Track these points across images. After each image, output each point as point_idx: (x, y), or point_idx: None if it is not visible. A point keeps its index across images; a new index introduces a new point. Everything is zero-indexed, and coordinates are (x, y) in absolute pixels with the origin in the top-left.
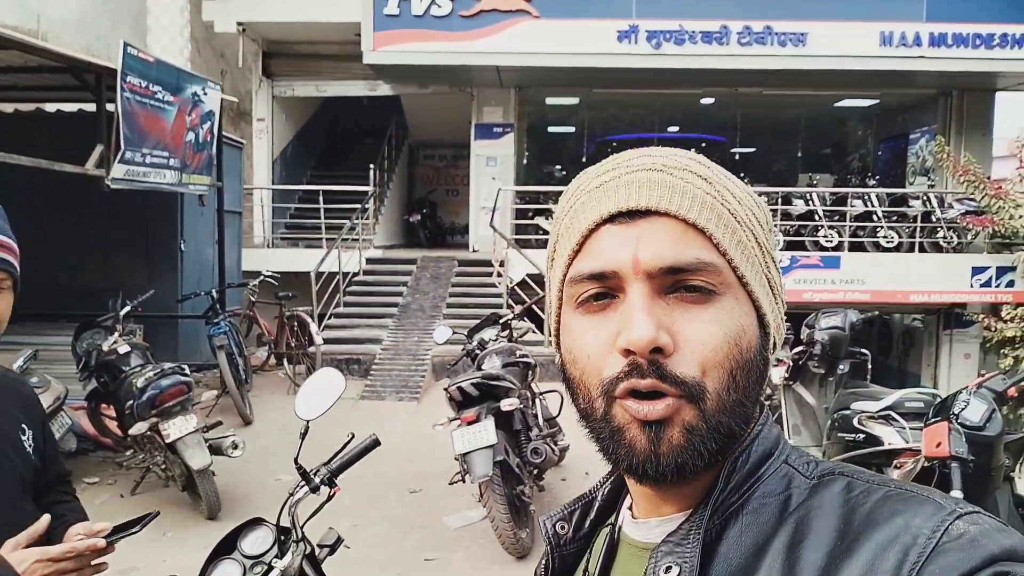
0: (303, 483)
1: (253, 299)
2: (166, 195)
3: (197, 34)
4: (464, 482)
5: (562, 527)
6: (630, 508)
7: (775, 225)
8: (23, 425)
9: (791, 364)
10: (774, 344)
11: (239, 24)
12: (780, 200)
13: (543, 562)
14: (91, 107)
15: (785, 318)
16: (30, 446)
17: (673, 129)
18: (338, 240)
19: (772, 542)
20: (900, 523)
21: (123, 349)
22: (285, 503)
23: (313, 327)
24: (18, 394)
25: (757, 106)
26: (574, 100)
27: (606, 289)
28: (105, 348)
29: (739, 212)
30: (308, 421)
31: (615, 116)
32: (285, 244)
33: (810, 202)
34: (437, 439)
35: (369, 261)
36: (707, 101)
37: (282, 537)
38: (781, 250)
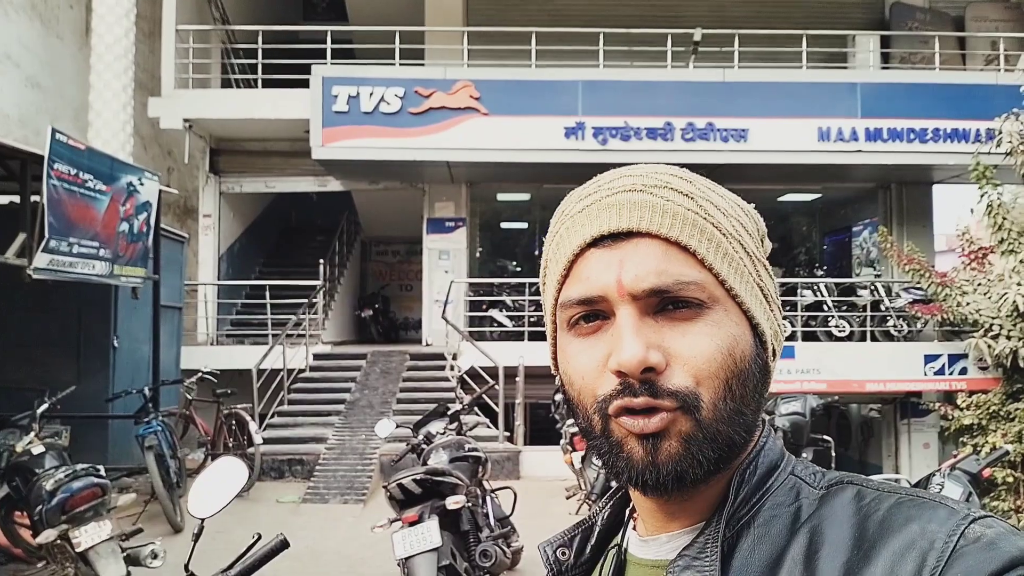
0: None
1: (190, 397)
2: (99, 289)
3: (144, 131)
4: None
5: (563, 553)
6: (635, 528)
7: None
8: None
9: None
10: (773, 352)
11: (185, 121)
12: None
13: None
14: (10, 197)
15: (783, 323)
16: None
17: None
18: (282, 335)
19: (787, 553)
20: (916, 529)
21: (37, 450)
22: None
23: (252, 426)
24: None
25: None
26: (525, 196)
27: (595, 311)
28: (18, 449)
29: (724, 224)
30: (203, 519)
31: None
32: (230, 341)
33: None
34: (383, 544)
35: (316, 357)
36: None
37: None
38: None
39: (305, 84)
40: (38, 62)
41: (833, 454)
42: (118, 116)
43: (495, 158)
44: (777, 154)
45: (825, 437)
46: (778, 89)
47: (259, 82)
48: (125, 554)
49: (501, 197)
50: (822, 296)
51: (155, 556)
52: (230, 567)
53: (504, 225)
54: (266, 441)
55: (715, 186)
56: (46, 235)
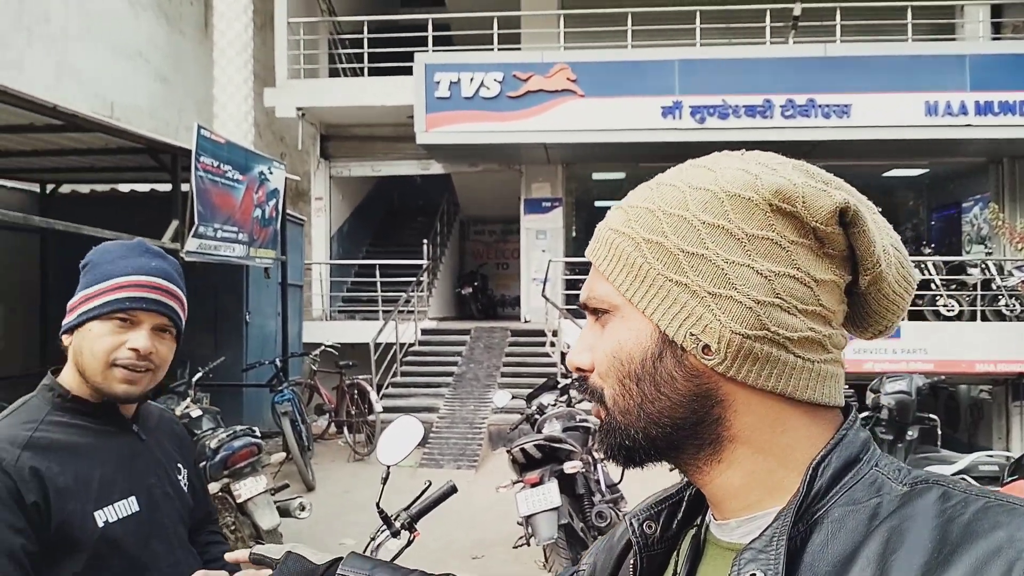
0: (384, 527)
1: (315, 368)
2: (233, 268)
3: (259, 119)
4: (528, 545)
5: (649, 526)
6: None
7: None
8: (179, 464)
9: None
10: (707, 348)
11: (298, 109)
12: None
13: (631, 562)
14: (163, 187)
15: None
16: (186, 485)
17: None
18: (395, 312)
19: (861, 551)
20: (1003, 536)
21: (196, 413)
22: (367, 547)
23: (373, 395)
24: (172, 432)
25: None
26: (620, 175)
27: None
28: (178, 413)
29: (642, 231)
30: (389, 466)
31: None
32: (342, 317)
33: None
34: (497, 507)
35: (424, 332)
36: None
37: None
38: None
39: (408, 71)
40: (164, 57)
41: (939, 432)
42: (240, 107)
43: (591, 139)
44: (882, 130)
45: (931, 416)
46: (882, 63)
47: (365, 70)
48: (276, 506)
49: (596, 176)
50: (930, 275)
51: (302, 508)
52: (409, 506)
53: (598, 204)
54: (384, 410)
55: (686, 182)
56: (195, 221)
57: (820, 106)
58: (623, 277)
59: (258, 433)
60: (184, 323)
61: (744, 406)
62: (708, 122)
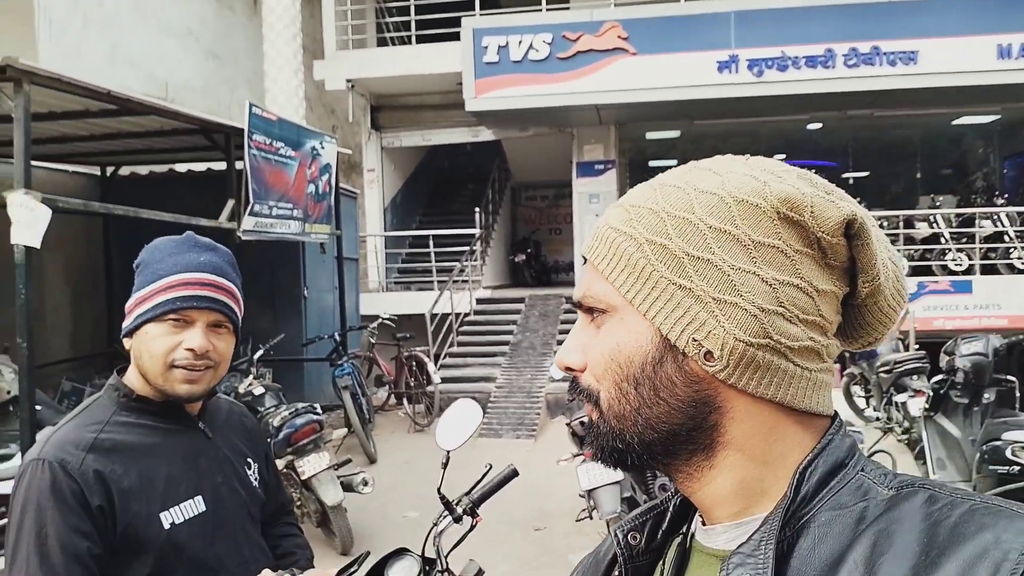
0: (446, 513)
1: (373, 341)
2: (289, 244)
3: (309, 92)
4: (591, 519)
5: (634, 537)
6: (701, 518)
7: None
8: (248, 459)
9: (931, 394)
10: (710, 355)
11: (348, 81)
12: (901, 224)
13: (616, 574)
14: (218, 166)
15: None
16: (255, 479)
17: (779, 157)
18: (449, 282)
19: (848, 555)
20: (989, 538)
21: (258, 390)
22: (429, 533)
23: (431, 367)
24: (242, 426)
25: (868, 128)
26: (675, 133)
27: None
28: (241, 390)
29: (645, 232)
30: (449, 451)
31: (717, 147)
32: (398, 288)
33: (934, 224)
34: (557, 477)
35: (479, 301)
36: (814, 126)
37: (427, 568)
38: (907, 276)
39: (456, 37)
40: (215, 35)
41: (1017, 394)
42: (290, 81)
43: (645, 98)
44: (951, 76)
45: (1008, 378)
46: (951, 4)
47: (413, 38)
48: (340, 481)
49: (650, 136)
50: (1003, 226)
51: (365, 484)
52: (470, 491)
53: (652, 164)
54: (441, 380)
55: (688, 184)
56: (250, 200)
57: (885, 53)
58: (624, 278)
59: (319, 410)
60: (241, 314)
61: (742, 413)
62: (766, 75)
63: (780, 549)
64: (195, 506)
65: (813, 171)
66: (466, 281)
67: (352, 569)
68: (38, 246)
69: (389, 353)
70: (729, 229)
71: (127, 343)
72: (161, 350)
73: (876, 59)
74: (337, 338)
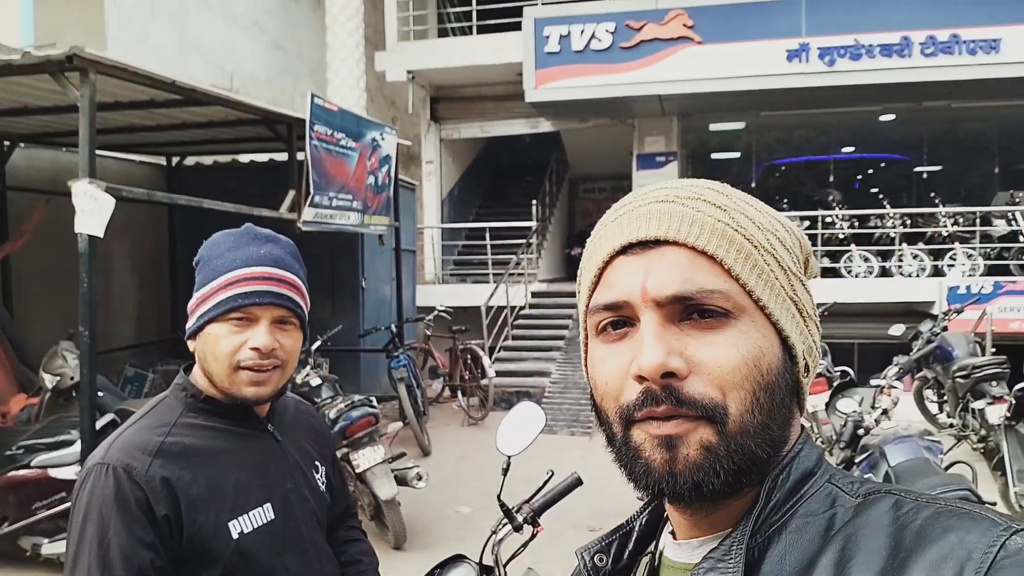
0: (506, 521)
1: (428, 333)
2: (348, 236)
3: (370, 84)
4: None
5: (600, 559)
6: (672, 533)
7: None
8: (316, 462)
9: (1013, 402)
10: (806, 367)
11: (409, 72)
12: (978, 220)
13: None
14: (280, 157)
15: (820, 341)
16: (323, 483)
17: (848, 149)
18: (505, 275)
19: (819, 560)
20: (954, 539)
21: (315, 381)
22: (488, 541)
23: (485, 360)
24: (310, 427)
25: (944, 120)
26: (739, 125)
27: (621, 318)
28: (298, 381)
29: (756, 237)
30: (510, 456)
31: (782, 139)
32: (454, 280)
33: (1013, 222)
34: (613, 476)
35: (534, 295)
36: (887, 118)
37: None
38: (982, 275)
39: (517, 27)
40: (280, 26)
41: None
42: (352, 72)
43: (710, 88)
44: None
45: None
46: None
47: (473, 29)
48: (394, 475)
49: (713, 128)
50: None
51: (420, 478)
52: (530, 499)
53: (714, 156)
54: (496, 374)
55: (753, 200)
56: (311, 191)
57: (965, 42)
58: (754, 279)
59: (375, 403)
60: (307, 308)
61: (795, 426)
62: (838, 64)
63: (751, 555)
64: (264, 514)
65: (882, 164)
66: (522, 274)
67: None
68: (101, 235)
69: (443, 345)
70: (796, 253)
71: (191, 345)
72: (225, 351)
73: (955, 48)
74: (393, 329)
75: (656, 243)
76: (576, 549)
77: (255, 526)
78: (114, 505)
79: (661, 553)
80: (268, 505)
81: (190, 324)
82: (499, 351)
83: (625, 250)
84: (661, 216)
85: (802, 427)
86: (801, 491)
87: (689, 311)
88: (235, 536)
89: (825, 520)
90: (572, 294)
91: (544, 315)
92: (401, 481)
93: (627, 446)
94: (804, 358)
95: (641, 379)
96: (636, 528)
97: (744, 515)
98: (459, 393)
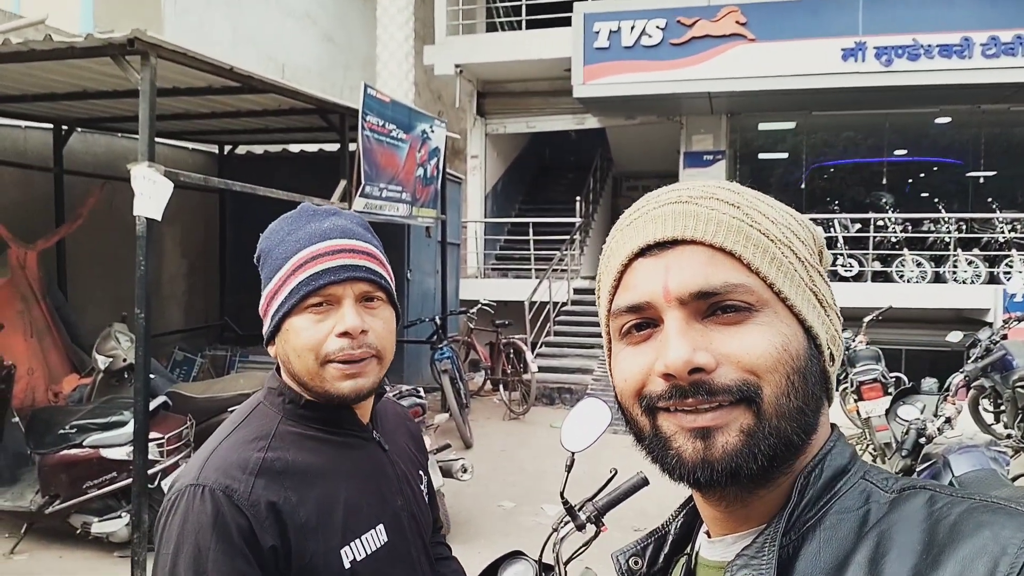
0: (568, 519)
1: (471, 326)
2: (394, 227)
3: (417, 77)
4: None
5: (635, 562)
6: (707, 532)
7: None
8: (420, 471)
9: None
10: (831, 357)
11: (456, 66)
12: None
13: None
14: (330, 148)
15: (842, 332)
16: (426, 494)
17: (899, 152)
18: (548, 270)
19: (853, 557)
20: (988, 535)
21: None
22: (548, 539)
23: (528, 355)
24: (408, 432)
25: (1003, 124)
26: (790, 124)
27: (645, 320)
28: None
29: (772, 231)
30: (574, 453)
31: (832, 140)
32: (495, 274)
33: None
34: (657, 476)
35: (576, 291)
36: (942, 120)
37: (542, 573)
38: None
39: (567, 22)
40: (331, 18)
41: None
42: (401, 65)
43: (761, 86)
44: None
45: None
46: None
47: (522, 23)
48: (439, 466)
49: (762, 127)
50: None
51: (465, 471)
52: (594, 497)
53: (762, 156)
54: (538, 369)
55: (765, 197)
56: (362, 181)
57: None
58: (774, 272)
59: (423, 393)
60: (392, 281)
61: (824, 416)
62: (895, 64)
63: (786, 552)
64: (377, 538)
65: (935, 168)
66: (564, 270)
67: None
68: (159, 218)
69: (485, 338)
70: (812, 249)
71: (272, 351)
72: (308, 345)
73: (1018, 49)
74: (438, 321)
75: (674, 243)
76: (612, 553)
77: (368, 552)
78: (212, 534)
79: (697, 554)
80: (380, 527)
81: (266, 327)
82: (541, 347)
83: (643, 252)
84: (677, 216)
85: (833, 425)
86: (835, 488)
87: (712, 309)
88: (347, 565)
89: (859, 516)
90: (595, 298)
91: (586, 312)
92: (446, 473)
93: (657, 437)
94: (828, 347)
95: (668, 376)
96: (671, 532)
97: (777, 512)
98: (501, 387)
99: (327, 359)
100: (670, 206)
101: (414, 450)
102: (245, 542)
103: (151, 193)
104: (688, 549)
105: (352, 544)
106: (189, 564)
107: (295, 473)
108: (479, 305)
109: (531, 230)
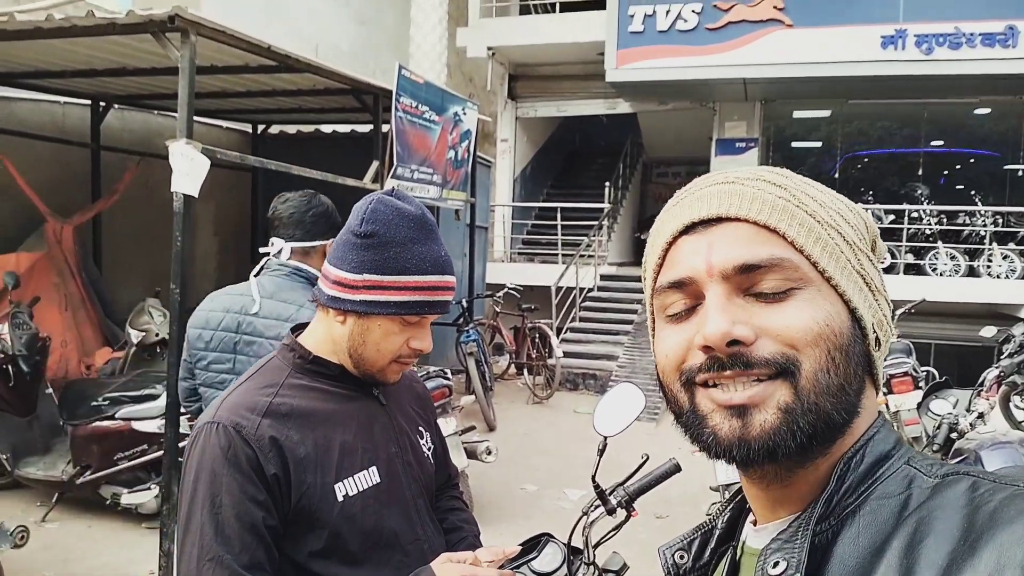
0: (598, 503)
1: (497, 310)
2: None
3: (449, 60)
4: None
5: (681, 556)
6: (753, 522)
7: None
8: (421, 427)
9: None
10: (877, 341)
11: (489, 49)
12: None
13: None
14: (362, 128)
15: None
16: (428, 449)
17: (935, 143)
18: (576, 256)
19: (891, 542)
20: None
21: None
22: (578, 522)
23: (553, 340)
24: (413, 392)
25: None
26: (825, 112)
27: (688, 297)
28: None
29: (819, 213)
30: (607, 437)
31: (863, 129)
32: (522, 259)
33: None
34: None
35: (603, 277)
36: (982, 111)
37: (571, 557)
38: None
39: (600, 6)
40: (362, 0)
41: None
42: (434, 48)
43: (798, 73)
44: None
45: None
46: None
47: (556, 6)
48: (464, 448)
49: (797, 115)
50: None
51: (489, 452)
52: (625, 481)
53: (795, 144)
54: (563, 355)
55: (814, 182)
56: (394, 162)
57: None
58: (819, 251)
59: (449, 375)
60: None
61: (869, 401)
62: (936, 53)
63: (824, 537)
64: (369, 477)
65: (971, 160)
66: (591, 256)
67: (531, 556)
68: (196, 195)
69: (510, 322)
70: (863, 234)
71: (338, 317)
72: (392, 348)
73: None
74: (464, 304)
75: (719, 221)
76: (658, 547)
77: (360, 489)
78: (225, 463)
79: (743, 544)
80: (374, 468)
81: (351, 297)
82: (566, 332)
83: (688, 230)
84: (722, 196)
85: (879, 412)
86: (876, 474)
87: (755, 284)
88: (340, 499)
89: (900, 501)
90: (641, 278)
91: (613, 298)
92: (471, 454)
93: (695, 414)
94: (874, 331)
95: (707, 349)
96: (718, 526)
97: (815, 497)
98: (525, 371)
99: (396, 359)
100: (716, 186)
101: (417, 409)
102: (252, 469)
103: (188, 170)
104: (734, 541)
105: (345, 480)
106: (207, 489)
107: (298, 416)
108: (505, 289)
109: (559, 215)
